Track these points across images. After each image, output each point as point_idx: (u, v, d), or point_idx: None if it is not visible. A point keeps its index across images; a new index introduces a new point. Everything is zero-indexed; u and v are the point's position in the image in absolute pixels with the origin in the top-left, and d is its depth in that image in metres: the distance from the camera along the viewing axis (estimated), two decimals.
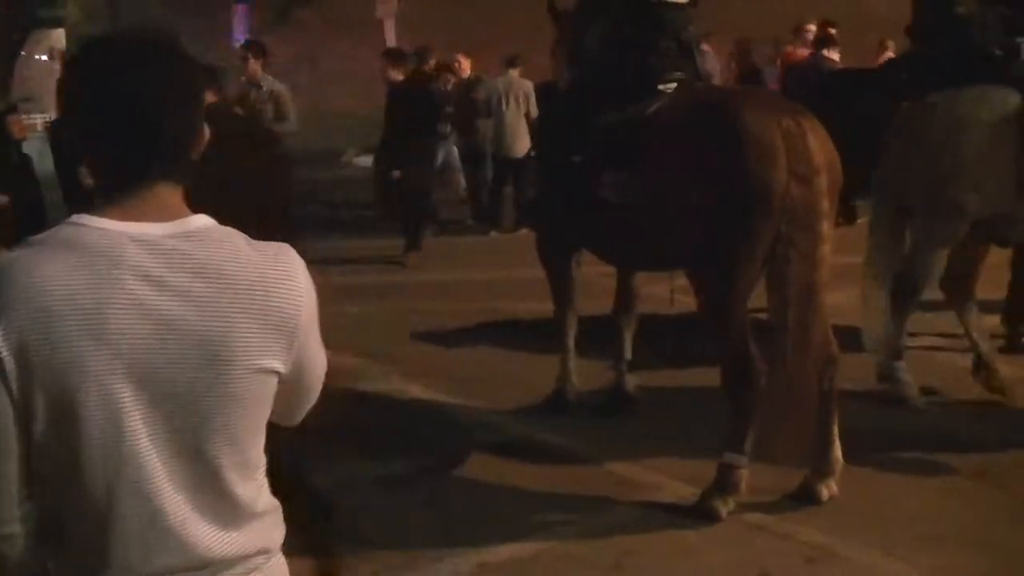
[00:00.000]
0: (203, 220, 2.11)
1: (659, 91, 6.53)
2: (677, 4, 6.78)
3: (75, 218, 2.05)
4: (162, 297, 2.00)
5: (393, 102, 13.19)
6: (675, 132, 6.04)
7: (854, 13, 14.57)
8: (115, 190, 2.08)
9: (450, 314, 9.78)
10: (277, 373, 2.12)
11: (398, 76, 13.30)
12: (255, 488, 2.17)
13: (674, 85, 6.58)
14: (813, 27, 14.01)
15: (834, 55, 12.66)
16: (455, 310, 9.94)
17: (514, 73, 14.96)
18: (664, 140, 6.06)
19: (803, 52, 13.84)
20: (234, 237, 2.12)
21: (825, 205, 5.73)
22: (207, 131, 2.18)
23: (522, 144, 14.35)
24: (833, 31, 13.26)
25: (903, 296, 7.23)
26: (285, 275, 2.12)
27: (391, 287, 11.31)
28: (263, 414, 2.16)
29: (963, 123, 6.94)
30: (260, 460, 2.20)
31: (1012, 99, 6.92)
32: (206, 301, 2.02)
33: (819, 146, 5.74)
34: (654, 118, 6.28)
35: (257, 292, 2.07)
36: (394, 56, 14.15)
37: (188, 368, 2.02)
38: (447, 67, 15.50)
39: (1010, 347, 8.20)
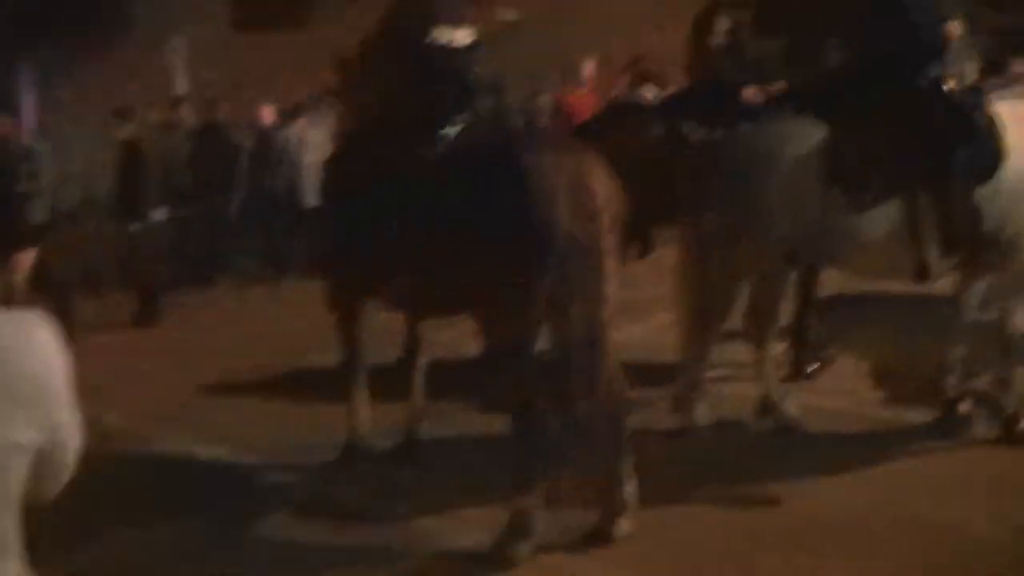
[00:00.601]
0: None
1: (443, 135, 6.52)
2: (457, 48, 6.79)
3: None
4: None
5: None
6: (458, 175, 6.03)
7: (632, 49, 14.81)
8: None
9: (238, 369, 9.59)
10: (23, 446, 2.00)
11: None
12: (11, 572, 2.04)
13: (458, 128, 6.59)
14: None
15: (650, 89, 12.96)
16: (244, 364, 9.74)
17: (304, 121, 14.88)
18: (447, 183, 6.03)
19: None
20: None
21: (608, 243, 5.76)
22: None
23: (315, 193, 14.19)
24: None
25: (703, 327, 7.31)
26: (33, 344, 2.01)
27: (174, 341, 11.07)
28: (12, 490, 2.02)
29: (767, 157, 7.06)
30: (13, 540, 2.05)
31: (815, 132, 7.06)
32: None
33: (601, 185, 5.78)
34: (439, 163, 6.26)
35: (15, 374, 1.96)
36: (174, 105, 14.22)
37: None
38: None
39: (796, 374, 8.34)
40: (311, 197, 14.32)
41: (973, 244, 6.95)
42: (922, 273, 7.08)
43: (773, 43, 10.02)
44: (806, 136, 7.04)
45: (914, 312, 8.44)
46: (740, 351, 7.87)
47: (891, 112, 6.96)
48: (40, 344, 2.02)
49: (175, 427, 8.20)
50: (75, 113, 18.92)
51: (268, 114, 15.74)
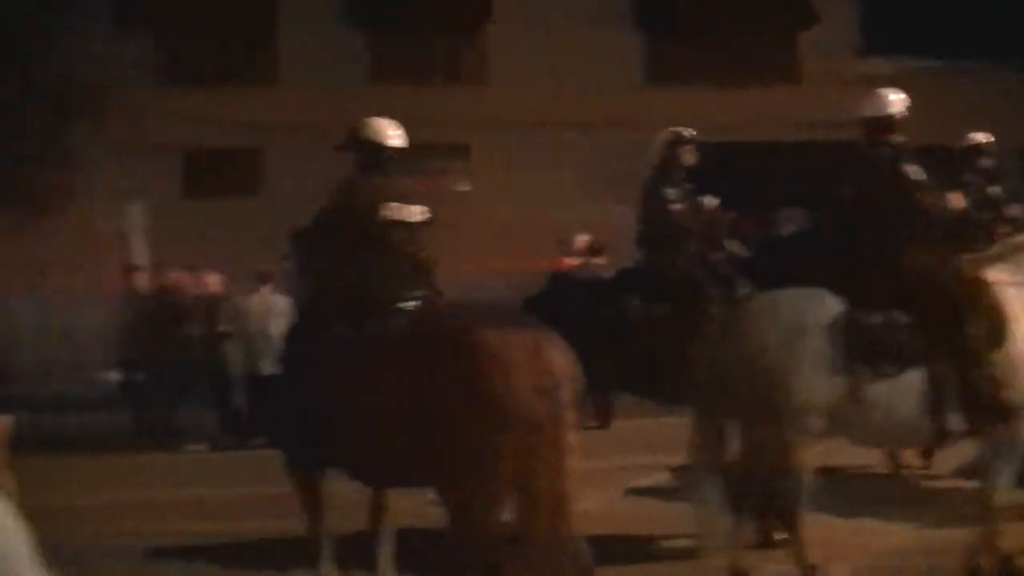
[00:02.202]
0: None
1: (399, 310, 6.65)
2: (410, 224, 6.95)
3: None
4: None
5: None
6: (416, 352, 6.16)
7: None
8: None
9: (193, 534, 9.48)
10: None
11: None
12: None
13: (413, 304, 6.72)
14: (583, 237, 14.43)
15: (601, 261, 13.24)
16: (199, 530, 9.62)
17: (265, 290, 14.97)
18: (406, 360, 6.16)
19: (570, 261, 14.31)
20: None
21: (569, 417, 5.88)
22: None
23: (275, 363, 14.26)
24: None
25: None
26: None
27: (140, 504, 10.94)
28: None
29: (793, 327, 7.24)
30: None
31: (829, 301, 7.28)
32: None
33: (558, 359, 5.92)
34: (396, 338, 6.38)
35: None
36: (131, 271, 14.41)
37: None
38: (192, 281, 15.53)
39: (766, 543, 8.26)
40: (270, 365, 14.44)
41: (993, 410, 7.19)
42: (940, 440, 7.28)
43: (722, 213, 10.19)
44: (828, 307, 7.28)
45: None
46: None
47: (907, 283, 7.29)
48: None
49: None
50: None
51: (214, 282, 15.85)
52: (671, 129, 9.54)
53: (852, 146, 7.99)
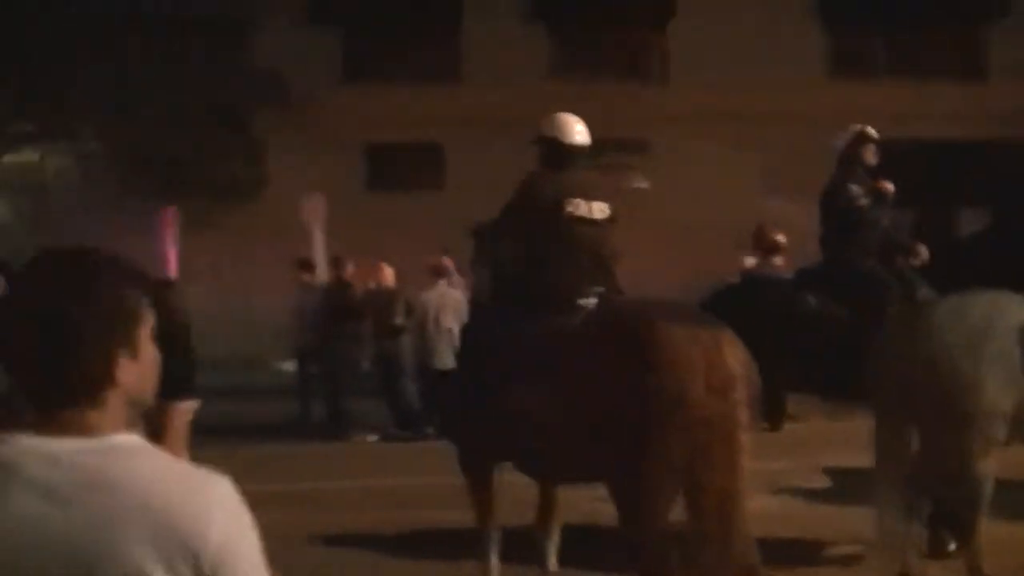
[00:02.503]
0: (126, 438, 2.11)
1: (579, 305, 6.65)
2: (593, 220, 6.95)
3: None
4: (45, 507, 2.00)
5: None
6: (594, 346, 6.14)
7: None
8: (35, 408, 2.10)
9: (367, 522, 9.63)
10: None
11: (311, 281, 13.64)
12: None
13: (594, 300, 6.71)
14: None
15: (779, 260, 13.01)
16: (374, 519, 9.78)
17: (441, 284, 15.10)
18: (584, 354, 6.15)
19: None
20: (154, 457, 2.11)
21: (743, 416, 5.82)
22: (149, 352, 2.18)
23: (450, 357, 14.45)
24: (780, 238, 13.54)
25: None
26: (196, 502, 2.06)
27: (310, 494, 11.17)
28: None
29: (981, 330, 7.07)
30: None
31: (1017, 304, 7.12)
32: (92, 515, 2.01)
33: (735, 358, 5.86)
34: (574, 332, 6.38)
35: (154, 514, 2.02)
36: (304, 264, 14.72)
37: None
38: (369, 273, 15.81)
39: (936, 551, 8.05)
40: (447, 360, 14.58)
41: None
42: None
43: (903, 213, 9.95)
44: (1017, 309, 7.09)
45: None
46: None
47: None
48: (206, 503, 2.06)
49: None
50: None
51: (389, 275, 16.06)
52: (855, 127, 9.32)
53: None
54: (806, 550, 8.20)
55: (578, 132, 7.25)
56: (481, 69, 23.29)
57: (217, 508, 2.09)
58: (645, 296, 7.11)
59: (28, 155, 24.36)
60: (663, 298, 6.73)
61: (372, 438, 15.00)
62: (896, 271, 8.90)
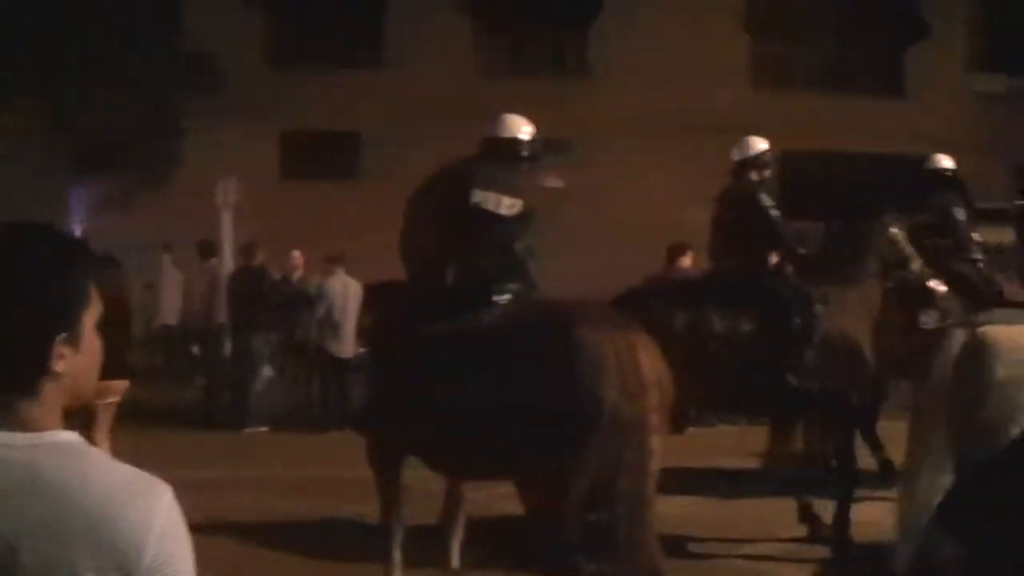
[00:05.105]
0: (64, 437, 1.98)
1: (493, 302, 6.56)
2: (504, 217, 6.84)
3: None
4: None
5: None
6: (510, 345, 6.07)
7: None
8: None
9: (268, 513, 9.50)
10: None
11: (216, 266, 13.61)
12: None
13: (507, 297, 6.63)
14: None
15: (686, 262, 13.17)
16: (275, 510, 9.64)
17: (341, 271, 15.07)
18: (498, 353, 6.08)
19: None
20: (93, 459, 1.99)
21: (655, 420, 5.78)
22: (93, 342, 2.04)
23: (349, 344, 14.46)
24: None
25: None
26: (137, 512, 1.95)
27: (211, 483, 10.99)
28: None
29: None
30: None
31: None
32: (23, 517, 1.88)
33: (650, 363, 5.82)
34: (489, 330, 6.29)
35: (92, 521, 1.91)
36: (206, 248, 15.17)
37: None
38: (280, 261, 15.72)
39: None
40: (350, 348, 14.50)
41: None
42: None
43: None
44: None
45: None
46: None
47: None
48: (145, 512, 1.95)
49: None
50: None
51: (299, 261, 15.99)
52: (754, 139, 9.40)
53: None
54: (714, 549, 8.21)
55: (510, 127, 7.16)
56: (404, 59, 23.13)
57: (157, 520, 1.97)
58: (561, 296, 7.03)
59: None
60: (580, 298, 6.66)
61: (264, 429, 14.79)
62: (789, 279, 8.96)
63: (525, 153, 7.10)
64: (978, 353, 6.71)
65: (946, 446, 7.01)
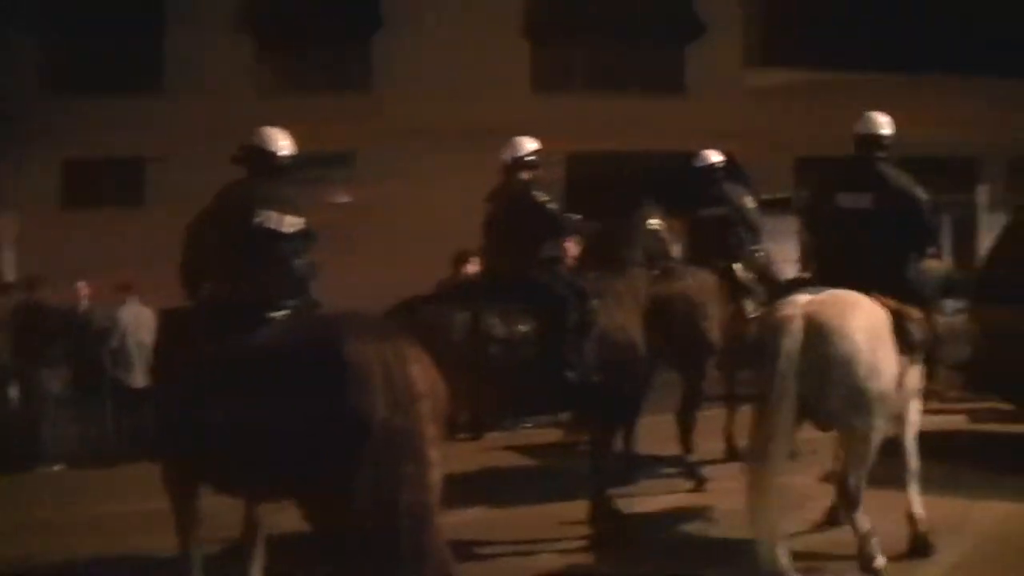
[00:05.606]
0: None
1: (267, 319, 6.53)
2: (282, 234, 6.84)
3: None
4: None
5: None
6: (279, 363, 6.05)
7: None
8: None
9: (61, 551, 9.22)
10: None
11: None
12: None
13: (285, 313, 6.61)
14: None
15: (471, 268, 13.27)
16: (65, 546, 9.37)
17: (134, 300, 14.72)
18: (270, 371, 6.07)
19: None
20: None
21: (430, 430, 5.83)
22: None
23: (143, 374, 14.14)
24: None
25: None
26: None
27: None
28: None
29: None
30: None
31: None
32: None
33: (420, 372, 5.87)
34: (264, 347, 6.28)
35: None
36: None
37: None
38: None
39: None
40: (143, 378, 14.21)
41: None
42: None
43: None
44: None
45: None
46: None
47: None
48: None
49: None
50: None
51: (85, 291, 15.59)
52: (523, 139, 9.59)
53: None
54: (514, 553, 8.28)
55: (281, 144, 7.20)
56: (184, 81, 22.70)
57: None
58: (337, 310, 7.03)
59: None
60: (355, 312, 6.66)
61: (57, 467, 14.37)
62: (567, 278, 9.14)
63: (284, 165, 7.15)
64: (819, 331, 7.11)
65: (791, 428, 7.31)
